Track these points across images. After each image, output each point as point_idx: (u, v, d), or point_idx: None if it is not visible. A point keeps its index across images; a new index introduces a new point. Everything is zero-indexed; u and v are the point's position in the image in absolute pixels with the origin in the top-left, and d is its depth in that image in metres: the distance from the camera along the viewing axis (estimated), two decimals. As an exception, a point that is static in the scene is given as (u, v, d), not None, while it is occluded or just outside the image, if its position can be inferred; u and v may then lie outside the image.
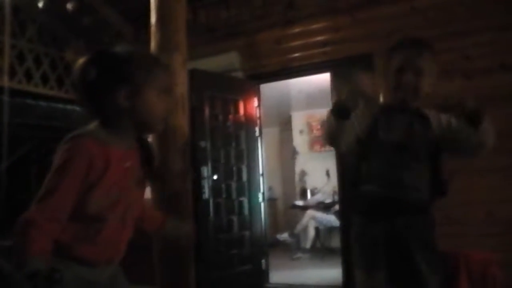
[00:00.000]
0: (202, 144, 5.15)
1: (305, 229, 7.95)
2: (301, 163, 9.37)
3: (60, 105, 6.74)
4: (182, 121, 3.93)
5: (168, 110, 2.01)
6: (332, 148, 5.46)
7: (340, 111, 2.34)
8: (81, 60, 1.85)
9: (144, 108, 1.85)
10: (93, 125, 1.86)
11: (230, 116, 5.59)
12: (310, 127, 9.35)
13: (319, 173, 8.61)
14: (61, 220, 1.71)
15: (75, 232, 1.77)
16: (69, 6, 5.78)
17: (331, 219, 7.69)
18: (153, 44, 3.94)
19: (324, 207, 8.03)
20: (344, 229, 5.30)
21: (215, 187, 5.26)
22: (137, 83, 1.83)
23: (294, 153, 9.46)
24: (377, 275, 2.40)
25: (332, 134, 2.49)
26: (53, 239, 1.67)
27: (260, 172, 5.87)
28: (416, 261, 2.34)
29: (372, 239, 2.43)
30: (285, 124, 9.76)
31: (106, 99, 1.81)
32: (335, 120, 2.37)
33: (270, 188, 8.97)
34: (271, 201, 8.80)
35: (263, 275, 5.70)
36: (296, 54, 5.60)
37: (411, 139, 2.43)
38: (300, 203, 8.69)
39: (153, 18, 3.96)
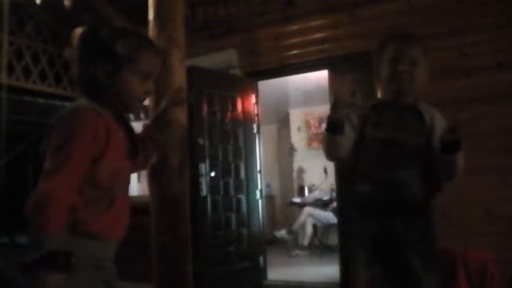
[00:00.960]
0: (200, 141, 5.15)
1: (303, 226, 7.95)
2: (298, 160, 9.37)
3: (58, 102, 6.75)
4: (180, 118, 3.94)
5: (148, 94, 2.02)
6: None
7: (334, 128, 2.33)
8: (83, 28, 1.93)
9: (121, 88, 1.89)
10: (82, 99, 1.89)
11: (228, 113, 5.59)
12: (308, 124, 9.35)
13: (317, 170, 8.61)
14: (75, 192, 1.73)
15: (89, 206, 1.79)
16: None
17: (329, 216, 7.69)
18: (151, 41, 3.93)
19: (321, 204, 8.03)
20: (342, 226, 5.31)
21: (213, 184, 5.26)
22: (118, 63, 1.87)
23: (291, 150, 9.45)
24: (374, 269, 2.40)
25: (331, 150, 2.48)
26: (69, 214, 1.68)
27: (258, 169, 5.87)
28: (410, 261, 2.33)
29: (367, 235, 2.43)
30: (283, 121, 9.77)
31: (90, 73, 1.87)
32: (332, 137, 2.36)
33: (268, 185, 8.96)
34: (269, 198, 8.80)
35: (261, 272, 5.71)
36: (294, 52, 5.60)
37: (403, 135, 2.41)
38: (297, 200, 8.69)
39: (151, 15, 3.96)
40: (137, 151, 2.10)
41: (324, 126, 7.69)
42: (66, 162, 1.70)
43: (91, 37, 1.91)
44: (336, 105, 2.31)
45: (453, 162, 2.27)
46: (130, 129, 2.08)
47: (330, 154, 2.51)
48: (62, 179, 1.69)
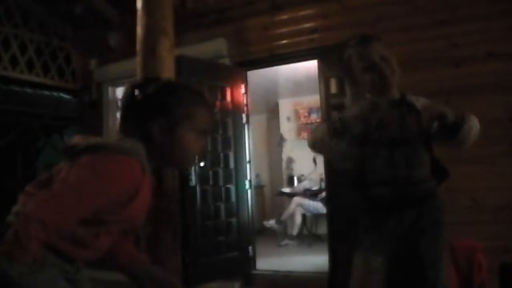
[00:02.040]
0: (189, 131, 5.13)
1: (292, 216, 7.97)
2: (288, 150, 9.39)
3: (46, 92, 6.70)
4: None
5: (202, 151, 1.93)
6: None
7: (335, 131, 2.47)
8: (132, 83, 1.86)
9: (176, 145, 1.83)
10: (133, 143, 1.74)
11: (217, 103, 5.56)
12: (297, 114, 9.36)
13: (306, 160, 8.62)
14: (67, 227, 1.60)
15: (74, 234, 1.66)
16: None
17: (318, 206, 7.71)
18: (139, 30, 3.92)
19: (311, 194, 8.05)
20: (331, 216, 5.32)
21: (202, 174, 5.24)
22: (175, 119, 1.80)
23: (281, 140, 9.47)
24: (375, 259, 2.44)
25: (321, 145, 2.59)
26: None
27: (247, 159, 5.86)
28: (421, 250, 2.40)
29: (380, 228, 2.48)
30: (272, 111, 9.77)
31: (143, 127, 1.78)
32: (329, 135, 2.49)
33: (257, 175, 8.98)
34: (258, 188, 8.82)
35: (250, 261, 5.71)
36: (284, 41, 5.58)
37: (408, 134, 2.45)
38: (287, 190, 8.71)
39: (139, 4, 3.93)
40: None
41: (313, 116, 7.69)
42: (82, 198, 1.56)
43: (148, 90, 1.82)
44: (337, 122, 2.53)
45: (463, 134, 2.30)
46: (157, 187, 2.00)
47: (315, 147, 2.63)
48: (64, 211, 1.54)
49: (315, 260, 6.22)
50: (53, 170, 1.74)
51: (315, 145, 2.66)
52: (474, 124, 2.34)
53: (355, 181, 2.61)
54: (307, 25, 5.45)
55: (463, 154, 4.42)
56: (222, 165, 5.52)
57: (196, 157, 1.88)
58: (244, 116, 5.88)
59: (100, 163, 1.62)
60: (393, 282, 2.43)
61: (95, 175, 1.58)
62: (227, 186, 5.54)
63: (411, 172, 2.43)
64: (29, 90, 6.47)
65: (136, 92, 1.82)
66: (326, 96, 5.37)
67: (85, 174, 1.58)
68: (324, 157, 2.68)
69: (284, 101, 9.44)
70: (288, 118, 9.44)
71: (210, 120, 1.91)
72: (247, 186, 5.80)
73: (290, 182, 8.99)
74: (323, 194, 7.27)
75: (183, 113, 1.81)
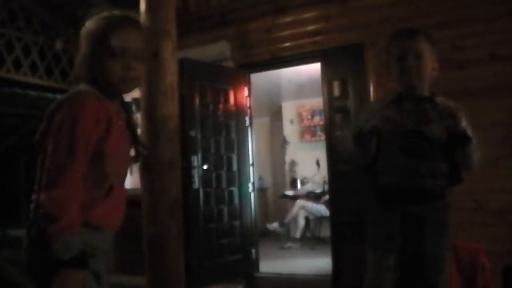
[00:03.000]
0: (192, 133, 5.14)
1: (295, 218, 7.96)
2: (291, 153, 9.37)
3: (50, 94, 6.72)
4: (172, 110, 3.93)
5: (130, 71, 1.91)
6: (322, 138, 5.40)
7: (360, 140, 2.52)
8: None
9: (99, 71, 1.89)
10: (82, 85, 1.88)
11: (220, 106, 5.58)
12: (300, 116, 9.35)
13: (309, 162, 8.62)
14: (83, 182, 1.74)
15: (90, 194, 1.79)
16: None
17: (321, 209, 7.70)
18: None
19: (314, 196, 8.04)
20: (334, 219, 5.32)
21: (205, 177, 5.25)
22: (87, 51, 1.91)
23: (284, 142, 9.46)
24: (388, 258, 2.46)
25: (354, 157, 2.69)
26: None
27: (250, 161, 5.87)
28: (428, 249, 2.41)
29: (387, 224, 2.50)
30: (276, 114, 9.76)
31: (80, 62, 1.93)
32: (357, 146, 2.56)
33: (260, 178, 8.97)
34: (261, 191, 8.80)
35: (253, 264, 5.71)
36: (287, 44, 5.58)
37: (426, 126, 2.47)
38: (290, 192, 8.70)
39: (142, 6, 3.94)
40: (137, 139, 2.09)
41: (316, 118, 7.69)
42: (73, 153, 1.71)
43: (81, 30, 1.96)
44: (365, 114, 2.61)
45: (465, 153, 2.39)
46: (130, 117, 2.09)
47: (352, 161, 2.70)
48: (73, 173, 1.70)
49: (318, 263, 6.21)
50: None
51: (351, 159, 2.73)
52: (477, 150, 2.43)
53: (367, 167, 2.63)
54: (310, 27, 5.44)
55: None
56: (225, 167, 5.52)
57: (134, 80, 1.88)
58: (247, 118, 5.88)
59: (65, 110, 1.76)
60: (403, 280, 2.45)
61: (67, 122, 1.73)
62: (230, 188, 5.55)
63: (422, 165, 2.45)
64: (32, 93, 6.49)
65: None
66: (329, 98, 5.37)
67: (60, 126, 1.73)
68: (359, 160, 2.71)
69: (287, 104, 9.43)
70: (291, 121, 9.43)
71: (127, 39, 1.92)
72: (250, 188, 5.80)
73: (293, 184, 8.98)
74: (326, 196, 7.25)
75: (97, 40, 1.90)
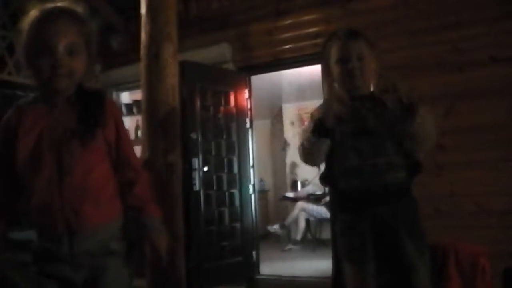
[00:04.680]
0: (193, 135, 5.14)
1: (295, 220, 7.96)
2: (291, 155, 9.36)
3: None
4: (173, 112, 3.93)
5: (60, 67, 1.81)
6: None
7: (320, 130, 2.40)
8: None
9: (31, 70, 1.87)
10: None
11: (221, 108, 5.58)
12: (301, 119, 9.34)
13: (310, 165, 8.62)
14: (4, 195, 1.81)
15: (16, 200, 1.83)
16: None
17: (322, 211, 7.70)
18: (143, 35, 3.93)
19: (314, 198, 8.05)
20: (334, 221, 5.32)
21: (206, 179, 5.25)
22: (21, 52, 1.87)
23: (285, 145, 9.46)
24: (366, 268, 2.39)
25: (310, 152, 2.54)
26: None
27: (251, 164, 5.87)
28: (404, 247, 2.34)
29: (358, 233, 2.42)
30: (276, 116, 9.77)
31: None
32: (314, 138, 2.43)
33: (261, 180, 8.98)
34: (261, 193, 8.81)
35: (254, 266, 5.71)
36: (288, 46, 5.58)
37: (373, 123, 2.42)
38: (290, 194, 8.70)
39: (143, 9, 3.95)
40: (91, 130, 1.91)
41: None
42: None
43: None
44: (326, 104, 2.52)
45: (416, 125, 2.29)
46: (87, 106, 1.96)
47: (306, 157, 2.59)
48: None
49: (319, 265, 6.21)
50: None
51: (306, 156, 2.61)
52: (428, 119, 2.32)
53: (324, 176, 2.60)
54: (310, 29, 5.45)
55: (467, 159, 4.44)
56: (226, 169, 5.53)
57: (66, 76, 1.81)
58: (247, 120, 5.88)
59: None
60: (385, 284, 2.41)
61: None
62: (231, 190, 5.55)
63: (377, 160, 2.39)
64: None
65: None
66: (330, 100, 5.37)
67: None
68: (312, 161, 2.64)
69: (288, 106, 9.43)
70: (292, 123, 9.43)
71: (43, 31, 1.83)
72: (251, 190, 5.81)
73: (294, 186, 8.97)
74: (327, 198, 7.26)
75: (19, 38, 1.88)
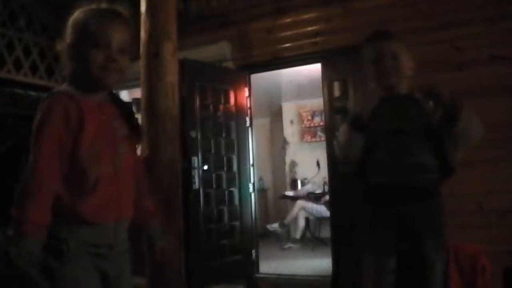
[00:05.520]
0: (193, 134, 5.14)
1: (295, 219, 7.96)
2: (291, 154, 9.37)
3: (50, 95, 6.70)
4: (172, 110, 3.93)
5: (113, 63, 1.93)
6: (322, 139, 5.37)
7: (356, 125, 2.51)
8: None
9: (81, 61, 1.93)
10: (61, 86, 1.97)
11: (221, 106, 5.58)
12: (300, 117, 9.34)
13: (309, 163, 8.63)
14: (57, 177, 1.78)
15: (72, 190, 1.82)
16: None
17: (321, 210, 7.70)
18: (143, 34, 3.93)
19: (314, 197, 8.04)
20: (334, 219, 5.32)
21: (206, 177, 5.25)
22: (72, 42, 1.95)
23: (284, 143, 9.45)
24: (387, 262, 2.46)
25: (347, 146, 2.63)
26: (53, 202, 1.75)
27: (251, 162, 5.87)
28: (425, 246, 2.40)
29: (383, 228, 2.49)
30: (276, 115, 9.76)
31: (63, 53, 1.99)
32: (351, 132, 2.54)
33: (260, 179, 8.97)
34: (261, 192, 8.80)
35: (253, 265, 5.71)
36: (287, 44, 5.58)
37: (408, 124, 2.49)
38: (290, 193, 8.69)
39: (143, 7, 3.94)
40: (134, 125, 2.11)
41: (317, 119, 7.69)
42: (42, 149, 1.78)
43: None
44: (367, 101, 2.59)
45: (460, 125, 2.39)
46: (123, 107, 2.11)
47: (349, 154, 2.65)
48: (40, 167, 1.76)
49: (319, 263, 6.22)
50: None
51: (343, 150, 2.69)
52: (472, 117, 2.44)
53: (357, 171, 2.63)
54: (310, 28, 5.45)
55: (467, 157, 4.43)
56: (225, 168, 5.53)
57: (116, 72, 1.91)
58: (247, 119, 5.89)
59: (38, 112, 1.87)
60: (400, 281, 2.45)
61: (37, 122, 1.83)
62: (230, 189, 5.55)
63: (410, 160, 2.45)
64: (33, 93, 6.47)
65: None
66: (330, 99, 5.37)
67: (33, 128, 1.84)
68: (351, 156, 2.72)
69: (288, 104, 9.43)
70: (292, 121, 9.42)
71: (107, 32, 1.93)
72: (250, 189, 5.81)
73: (294, 185, 8.97)
74: (327, 197, 7.25)
75: (76, 35, 1.95)
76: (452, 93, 2.38)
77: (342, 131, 2.64)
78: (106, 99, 2.03)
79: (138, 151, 2.24)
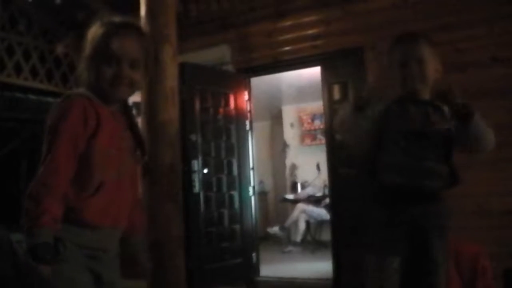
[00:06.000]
0: (193, 137, 5.14)
1: (295, 222, 7.95)
2: (291, 157, 9.37)
3: (50, 99, 6.70)
4: (172, 114, 3.93)
5: (122, 78, 1.95)
6: (323, 142, 5.36)
7: (359, 103, 2.48)
8: None
9: (94, 75, 1.94)
10: (78, 89, 1.98)
11: (221, 110, 5.58)
12: (300, 120, 9.35)
13: (310, 166, 8.63)
14: (70, 178, 1.81)
15: (77, 190, 1.83)
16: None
17: (322, 213, 7.70)
18: (143, 37, 3.92)
19: (314, 200, 8.04)
20: (335, 222, 5.32)
21: (206, 181, 5.25)
22: (87, 54, 1.96)
23: (284, 146, 9.46)
24: (392, 262, 2.45)
25: (345, 125, 2.61)
26: (62, 202, 1.76)
27: (251, 165, 5.86)
28: (430, 249, 2.41)
29: (390, 227, 2.48)
30: (276, 118, 9.76)
31: (81, 65, 2.00)
32: (352, 111, 2.50)
33: (260, 182, 8.96)
34: (261, 195, 8.80)
35: (254, 268, 5.71)
36: (287, 48, 5.59)
37: (430, 129, 2.48)
38: (290, 196, 8.70)
39: (143, 11, 3.95)
40: (140, 142, 2.14)
41: (317, 122, 7.68)
42: (61, 145, 1.79)
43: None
44: (372, 89, 2.60)
45: (474, 129, 2.41)
46: (132, 121, 2.15)
47: (340, 127, 2.67)
48: (59, 162, 1.78)
49: (319, 266, 6.20)
50: None
51: (342, 125, 2.67)
52: (483, 123, 2.44)
53: (367, 168, 2.62)
54: (310, 31, 5.45)
55: (467, 159, 4.43)
56: (225, 171, 5.52)
57: (126, 87, 1.96)
58: (247, 122, 5.88)
59: (55, 109, 1.87)
60: (404, 282, 2.45)
61: (54, 118, 1.84)
62: (231, 192, 5.54)
63: (424, 164, 2.46)
64: (33, 97, 6.48)
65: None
66: (330, 102, 5.37)
67: (49, 123, 1.85)
68: (349, 137, 2.71)
69: (288, 108, 9.44)
70: (292, 125, 9.43)
71: (120, 44, 1.95)
72: (251, 192, 5.80)
73: (294, 188, 8.97)
74: (327, 200, 7.25)
75: (90, 47, 1.97)
76: (463, 96, 2.34)
77: (343, 113, 2.62)
78: (118, 109, 2.06)
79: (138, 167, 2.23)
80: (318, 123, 8.93)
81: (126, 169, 2.01)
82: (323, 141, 6.71)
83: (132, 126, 2.13)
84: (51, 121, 1.83)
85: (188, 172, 4.95)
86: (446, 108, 2.50)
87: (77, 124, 1.82)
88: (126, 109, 2.13)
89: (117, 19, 2.02)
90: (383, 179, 2.53)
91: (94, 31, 1.99)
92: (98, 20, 2.02)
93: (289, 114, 9.45)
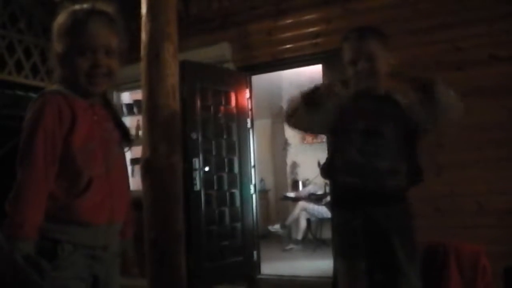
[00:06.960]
0: (194, 135, 5.14)
1: (296, 220, 7.95)
2: (292, 155, 9.38)
3: (51, 96, 6.71)
4: (173, 112, 3.93)
5: (99, 68, 1.90)
6: (324, 140, 5.35)
7: (309, 99, 2.51)
8: None
9: (69, 70, 1.90)
10: (53, 86, 1.95)
11: (222, 108, 5.58)
12: (301, 118, 9.33)
13: (311, 164, 8.61)
14: (52, 175, 1.78)
15: (67, 190, 1.80)
16: None
17: (323, 211, 7.70)
18: (143, 35, 3.93)
19: (315, 198, 8.04)
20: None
21: (207, 179, 5.25)
22: (58, 49, 1.91)
23: (285, 144, 9.47)
24: (358, 265, 2.42)
25: (294, 113, 2.61)
26: (48, 201, 1.74)
27: (252, 163, 5.87)
28: (395, 250, 2.36)
29: (351, 230, 2.45)
30: (277, 116, 9.75)
31: (53, 61, 1.96)
32: (303, 105, 2.52)
33: (261, 180, 8.98)
34: (262, 193, 8.82)
35: (255, 266, 5.71)
36: (288, 46, 5.58)
37: (384, 126, 2.45)
38: (291, 194, 8.70)
39: (144, 9, 3.94)
40: (128, 139, 2.13)
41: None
42: (36, 149, 1.75)
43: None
44: (329, 84, 2.53)
45: (442, 98, 2.39)
46: (113, 111, 2.13)
47: (290, 116, 2.65)
48: (36, 167, 1.75)
49: (320, 264, 6.21)
50: None
51: (290, 117, 2.66)
52: (447, 90, 2.42)
53: (325, 169, 2.60)
54: (311, 29, 5.45)
55: (467, 157, 4.44)
56: (226, 169, 5.53)
57: (104, 76, 1.91)
58: (248, 120, 5.89)
59: (29, 110, 1.84)
60: (375, 285, 2.42)
61: (29, 119, 1.80)
62: (232, 190, 5.55)
63: (381, 164, 2.41)
64: (34, 95, 6.47)
65: None
66: (330, 100, 5.36)
67: (25, 125, 1.81)
68: (299, 128, 2.68)
69: (289, 106, 9.42)
70: (293, 123, 9.41)
71: (95, 35, 1.89)
72: (252, 190, 5.81)
73: (295, 186, 8.98)
74: (328, 198, 7.26)
75: (64, 39, 1.90)
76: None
77: (294, 104, 2.62)
78: (98, 101, 2.02)
79: (127, 157, 2.21)
80: (319, 121, 8.91)
81: (113, 162, 1.98)
82: (324, 139, 6.70)
83: (115, 117, 2.10)
84: (26, 123, 1.80)
85: (189, 170, 4.96)
86: (400, 97, 2.47)
87: (52, 123, 1.78)
88: (106, 100, 2.09)
89: (84, 6, 1.94)
90: (339, 180, 2.51)
91: (62, 22, 1.92)
92: (63, 10, 1.95)
93: (290, 112, 9.44)
